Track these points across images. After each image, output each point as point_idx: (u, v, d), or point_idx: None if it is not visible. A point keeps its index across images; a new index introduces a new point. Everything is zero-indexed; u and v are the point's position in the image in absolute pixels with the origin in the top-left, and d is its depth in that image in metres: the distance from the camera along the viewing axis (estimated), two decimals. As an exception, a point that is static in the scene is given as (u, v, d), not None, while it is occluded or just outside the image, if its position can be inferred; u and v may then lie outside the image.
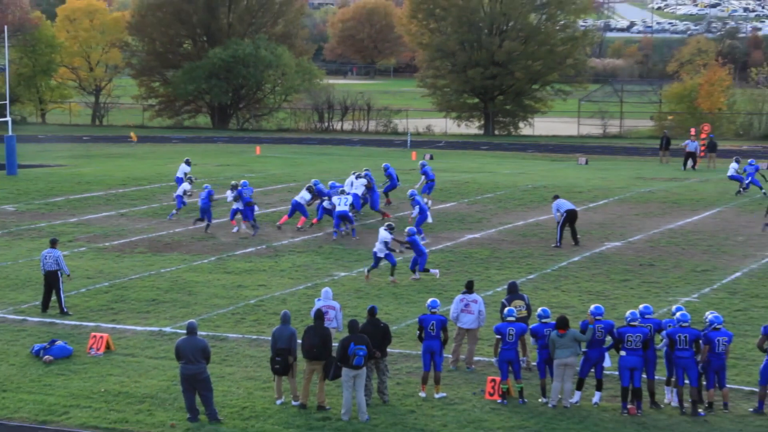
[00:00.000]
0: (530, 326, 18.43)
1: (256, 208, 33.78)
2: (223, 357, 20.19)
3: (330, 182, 35.70)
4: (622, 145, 68.87)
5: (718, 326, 17.47)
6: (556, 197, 32.09)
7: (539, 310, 18.32)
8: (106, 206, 38.96)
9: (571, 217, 31.22)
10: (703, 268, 28.18)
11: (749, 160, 43.94)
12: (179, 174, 39.93)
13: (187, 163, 40.89)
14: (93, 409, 17.56)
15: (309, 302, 23.06)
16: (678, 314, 17.72)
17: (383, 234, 26.64)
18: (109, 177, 47.18)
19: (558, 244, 31.05)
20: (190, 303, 24.45)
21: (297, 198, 33.89)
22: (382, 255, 26.51)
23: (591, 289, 25.66)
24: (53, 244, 24.03)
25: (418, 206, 31.40)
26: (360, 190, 34.55)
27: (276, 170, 49.73)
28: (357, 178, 35.11)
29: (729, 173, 43.71)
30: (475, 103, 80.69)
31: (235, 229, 33.52)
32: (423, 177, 38.35)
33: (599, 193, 42.63)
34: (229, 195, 33.42)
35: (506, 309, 18.43)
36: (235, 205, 33.34)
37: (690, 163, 52.64)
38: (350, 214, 32.43)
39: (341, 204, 32.18)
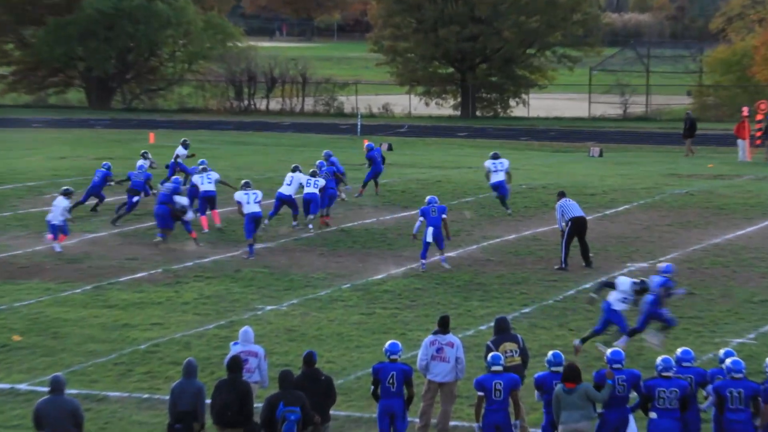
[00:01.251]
0: (534, 376, 18.27)
1: (134, 199, 37.24)
2: (102, 425, 19.95)
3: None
4: (648, 129, 69.31)
5: (783, 378, 17.51)
6: (562, 195, 31.93)
7: (549, 354, 18.12)
8: (-61, 215, 38.63)
9: (579, 227, 31.08)
10: (761, 298, 28.30)
11: None
12: (174, 159, 42.16)
13: (184, 145, 43.13)
14: None
15: (223, 347, 22.89)
16: (728, 361, 17.70)
17: (626, 285, 24.48)
18: (-56, 175, 46.76)
19: (563, 265, 31.02)
20: (55, 349, 24.17)
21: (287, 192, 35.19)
22: (618, 309, 24.18)
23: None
24: None
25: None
26: (316, 189, 35.83)
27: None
28: (313, 175, 36.04)
29: None
30: (450, 74, 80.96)
31: (57, 248, 33.29)
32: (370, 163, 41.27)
33: (618, 195, 42.81)
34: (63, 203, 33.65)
35: (491, 355, 18.30)
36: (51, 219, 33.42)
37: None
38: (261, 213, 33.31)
39: (252, 202, 32.36)
